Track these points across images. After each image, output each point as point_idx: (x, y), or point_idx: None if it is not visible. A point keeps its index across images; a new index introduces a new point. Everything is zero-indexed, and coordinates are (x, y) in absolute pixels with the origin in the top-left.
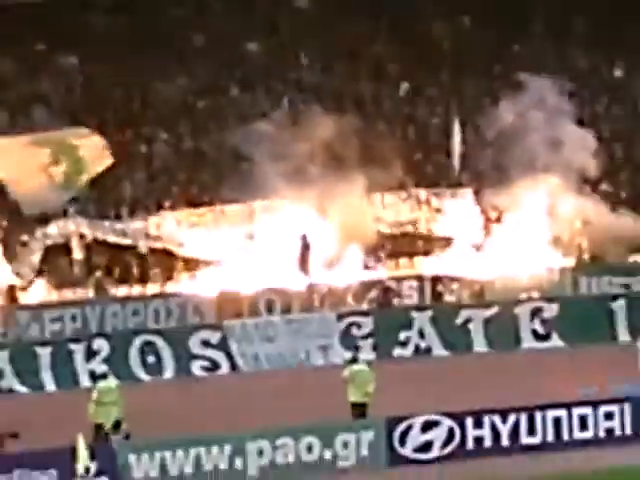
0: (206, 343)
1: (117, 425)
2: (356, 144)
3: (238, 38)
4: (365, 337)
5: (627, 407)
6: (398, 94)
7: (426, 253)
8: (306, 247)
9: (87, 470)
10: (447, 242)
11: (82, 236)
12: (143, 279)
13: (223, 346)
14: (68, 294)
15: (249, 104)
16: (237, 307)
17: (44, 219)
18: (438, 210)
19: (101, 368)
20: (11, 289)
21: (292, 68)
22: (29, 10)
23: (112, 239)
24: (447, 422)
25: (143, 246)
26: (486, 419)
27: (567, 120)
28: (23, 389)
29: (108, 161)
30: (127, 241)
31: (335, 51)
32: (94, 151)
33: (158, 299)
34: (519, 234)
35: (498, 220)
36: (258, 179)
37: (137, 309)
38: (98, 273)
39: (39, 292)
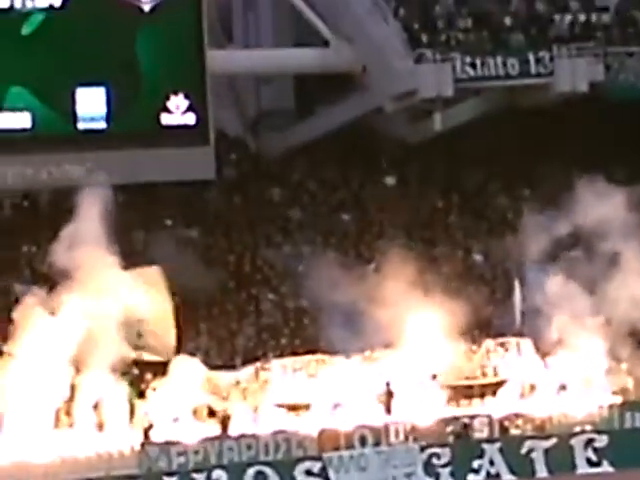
0: (309, 472)
1: None
2: (434, 300)
3: (332, 211)
4: (444, 466)
5: None
6: (469, 258)
7: (494, 393)
8: (390, 393)
9: None
10: (512, 384)
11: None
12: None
13: (324, 475)
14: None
15: (342, 267)
16: (335, 441)
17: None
18: (504, 357)
19: None
20: (145, 429)
21: (379, 235)
22: (159, 191)
23: (225, 389)
24: None
25: (252, 390)
26: None
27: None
28: None
29: None
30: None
31: (415, 221)
32: None
33: (267, 435)
34: (574, 375)
35: (555, 364)
36: (354, 330)
37: (250, 444)
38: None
39: (167, 430)
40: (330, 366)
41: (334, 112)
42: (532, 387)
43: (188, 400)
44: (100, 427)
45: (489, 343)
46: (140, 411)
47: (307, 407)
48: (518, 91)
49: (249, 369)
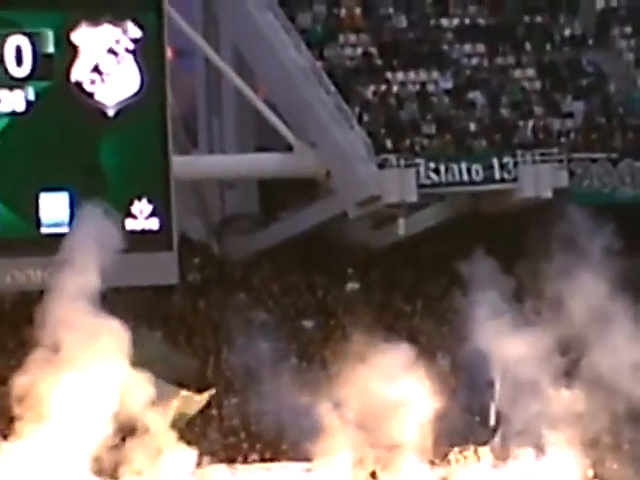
0: None
1: None
2: (398, 407)
3: (296, 315)
4: None
5: None
6: (433, 361)
7: None
8: None
9: None
10: None
11: None
12: None
13: None
14: None
15: (306, 371)
16: None
17: None
18: (465, 465)
19: None
20: None
21: (342, 340)
22: (122, 295)
23: None
24: None
25: None
26: None
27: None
28: None
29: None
30: None
31: (377, 325)
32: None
33: None
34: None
35: (518, 470)
36: (318, 434)
37: None
38: None
39: None
40: (293, 471)
41: (298, 217)
42: None
43: None
44: None
45: (450, 451)
46: None
47: None
48: (482, 197)
49: (212, 472)
